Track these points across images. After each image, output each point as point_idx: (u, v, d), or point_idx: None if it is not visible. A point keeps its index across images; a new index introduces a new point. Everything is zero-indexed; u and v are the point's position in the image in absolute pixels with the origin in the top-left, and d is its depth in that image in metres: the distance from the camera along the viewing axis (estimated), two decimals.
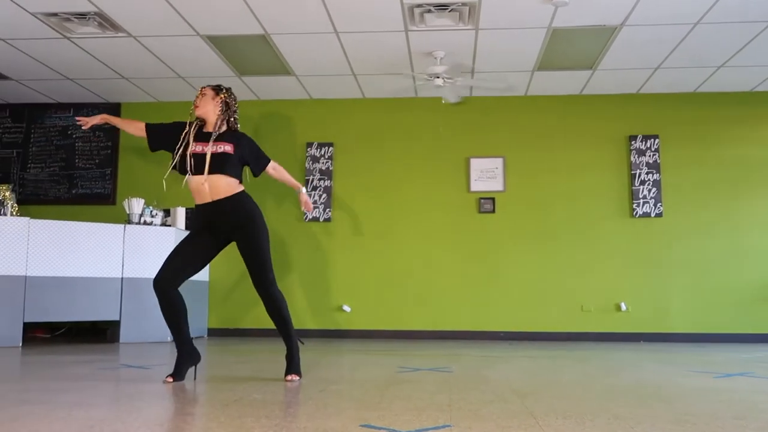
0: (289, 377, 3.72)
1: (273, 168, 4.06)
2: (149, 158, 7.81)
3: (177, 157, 3.77)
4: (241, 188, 3.82)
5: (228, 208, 3.74)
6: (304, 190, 4.25)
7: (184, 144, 3.78)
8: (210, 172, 3.70)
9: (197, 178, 3.71)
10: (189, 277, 3.72)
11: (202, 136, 3.80)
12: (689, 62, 6.71)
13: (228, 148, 3.76)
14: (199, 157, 3.72)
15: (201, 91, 3.88)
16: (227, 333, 7.62)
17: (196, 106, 3.84)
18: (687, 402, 3.03)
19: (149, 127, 3.94)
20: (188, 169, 3.72)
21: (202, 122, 3.86)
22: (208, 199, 3.74)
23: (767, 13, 5.57)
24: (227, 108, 3.88)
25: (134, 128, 4.01)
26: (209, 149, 3.73)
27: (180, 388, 3.39)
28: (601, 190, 7.57)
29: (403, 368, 4.38)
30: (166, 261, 3.67)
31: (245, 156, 3.85)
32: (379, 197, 7.76)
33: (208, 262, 3.83)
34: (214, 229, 3.78)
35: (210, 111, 3.84)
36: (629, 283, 7.39)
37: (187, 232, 3.72)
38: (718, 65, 6.80)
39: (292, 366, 3.79)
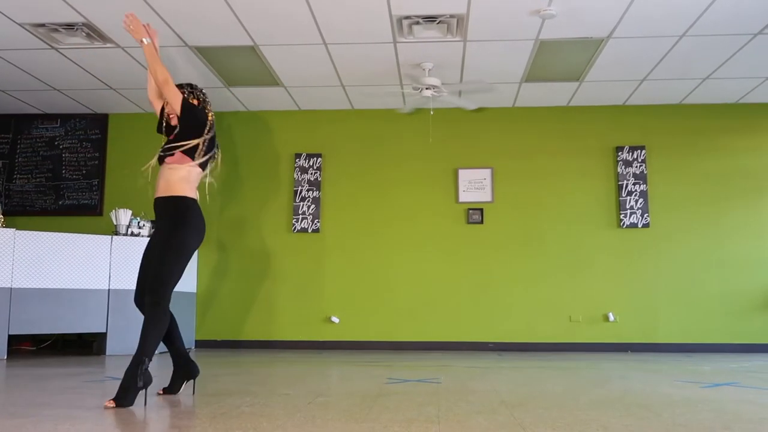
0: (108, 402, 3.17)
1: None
2: (137, 169, 7.79)
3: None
4: None
5: None
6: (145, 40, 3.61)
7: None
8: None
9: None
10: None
11: None
12: (675, 74, 6.78)
13: None
14: None
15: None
16: (215, 345, 7.57)
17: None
18: (674, 412, 3.04)
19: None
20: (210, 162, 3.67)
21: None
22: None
23: (751, 26, 5.64)
24: None
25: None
26: None
27: (167, 401, 3.36)
28: (589, 201, 7.61)
29: (391, 380, 4.37)
30: (138, 274, 3.52)
31: None
32: (367, 208, 7.76)
33: None
34: None
35: None
36: (617, 294, 7.42)
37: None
38: (703, 77, 6.87)
39: (119, 389, 3.19)
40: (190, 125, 3.55)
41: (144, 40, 3.58)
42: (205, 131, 3.59)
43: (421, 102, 6.93)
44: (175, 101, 3.53)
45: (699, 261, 7.42)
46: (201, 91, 3.74)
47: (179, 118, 3.54)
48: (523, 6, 5.31)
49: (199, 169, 3.57)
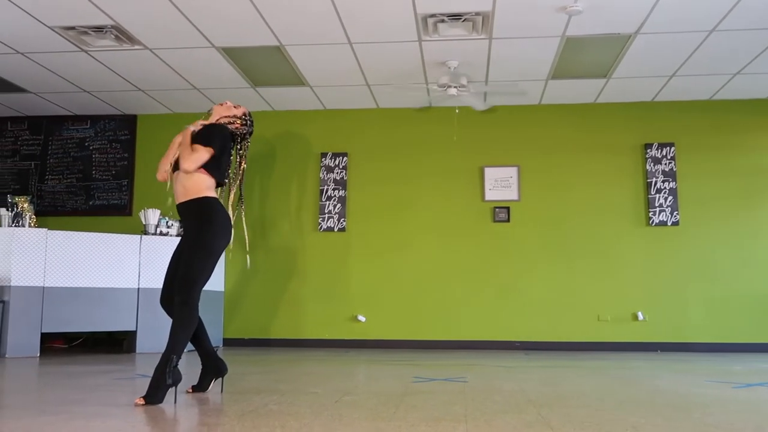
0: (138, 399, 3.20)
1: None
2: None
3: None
4: None
5: None
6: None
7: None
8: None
9: None
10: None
11: None
12: (705, 70, 6.67)
13: None
14: None
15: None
16: (243, 343, 7.63)
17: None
18: (706, 412, 3.00)
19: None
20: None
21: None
22: None
23: None
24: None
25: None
26: None
27: (196, 399, 3.40)
28: (617, 199, 7.53)
29: (418, 378, 4.37)
30: (165, 276, 3.56)
31: None
32: (393, 206, 7.76)
33: None
34: None
35: None
36: (646, 292, 7.33)
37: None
38: (733, 72, 6.75)
39: (149, 387, 3.21)
40: (212, 144, 3.57)
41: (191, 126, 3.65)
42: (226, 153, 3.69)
43: (445, 100, 6.91)
44: (202, 157, 3.50)
45: (730, 259, 7.29)
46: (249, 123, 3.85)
47: (200, 140, 3.56)
48: (549, 3, 5.27)
49: (213, 179, 3.57)
